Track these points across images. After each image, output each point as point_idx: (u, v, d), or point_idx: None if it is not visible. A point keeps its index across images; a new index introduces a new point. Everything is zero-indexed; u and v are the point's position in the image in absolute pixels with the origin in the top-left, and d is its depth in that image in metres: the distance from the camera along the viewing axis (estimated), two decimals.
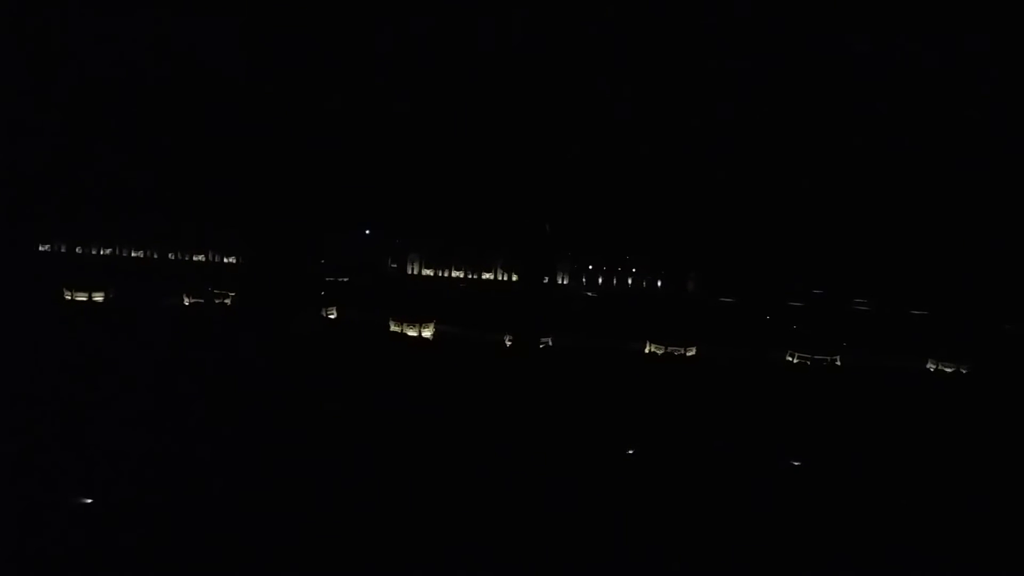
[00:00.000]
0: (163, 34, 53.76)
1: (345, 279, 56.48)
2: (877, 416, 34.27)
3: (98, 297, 48.66)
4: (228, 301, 49.56)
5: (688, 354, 44.26)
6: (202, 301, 49.25)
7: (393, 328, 44.71)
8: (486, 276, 59.34)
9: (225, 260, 61.30)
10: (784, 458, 29.15)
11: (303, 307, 48.30)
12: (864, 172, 57.79)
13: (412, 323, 44.95)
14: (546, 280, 57.73)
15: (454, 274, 59.59)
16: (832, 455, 29.62)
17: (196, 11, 52.72)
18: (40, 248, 61.57)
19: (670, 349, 44.08)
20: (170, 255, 61.33)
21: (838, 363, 43.76)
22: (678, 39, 56.84)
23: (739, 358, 43.37)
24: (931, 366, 43.49)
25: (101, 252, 61.53)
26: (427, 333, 45.02)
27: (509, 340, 44.48)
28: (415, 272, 59.52)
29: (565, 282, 58.82)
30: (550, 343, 44.50)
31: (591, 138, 62.34)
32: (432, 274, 59.85)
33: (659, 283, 59.32)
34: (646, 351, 44.43)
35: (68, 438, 26.33)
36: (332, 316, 47.60)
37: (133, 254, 61.78)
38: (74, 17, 53.85)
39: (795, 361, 43.90)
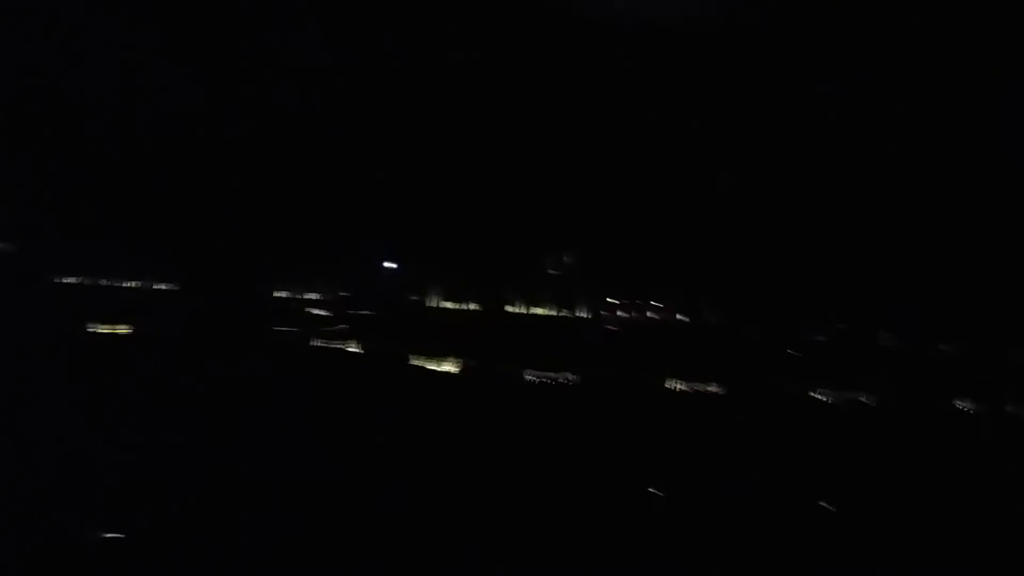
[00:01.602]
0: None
1: (366, 312, 56.62)
2: (907, 458, 33.70)
3: (123, 330, 49.08)
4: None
5: (710, 390, 43.91)
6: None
7: (413, 362, 44.73)
8: (507, 308, 59.27)
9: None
10: (812, 500, 28.68)
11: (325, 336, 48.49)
12: (893, 201, 57.41)
13: (432, 357, 44.98)
14: (566, 313, 57.57)
15: (472, 307, 59.59)
16: (862, 498, 29.09)
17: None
18: (63, 280, 62.20)
19: (692, 385, 43.75)
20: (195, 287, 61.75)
21: (863, 400, 43.20)
22: (712, 77, 57.19)
23: (762, 395, 42.94)
24: (962, 405, 42.82)
25: (127, 285, 62.06)
26: (447, 367, 44.99)
27: (530, 376, 44.39)
28: (436, 305, 59.57)
29: (586, 315, 58.61)
30: (571, 378, 44.34)
31: (610, 166, 62.63)
32: (452, 306, 59.86)
33: (679, 316, 58.97)
34: (667, 386, 44.16)
35: (88, 472, 26.35)
36: (352, 350, 47.72)
37: (156, 286, 62.29)
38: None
39: (819, 399, 43.38)
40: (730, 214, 62.24)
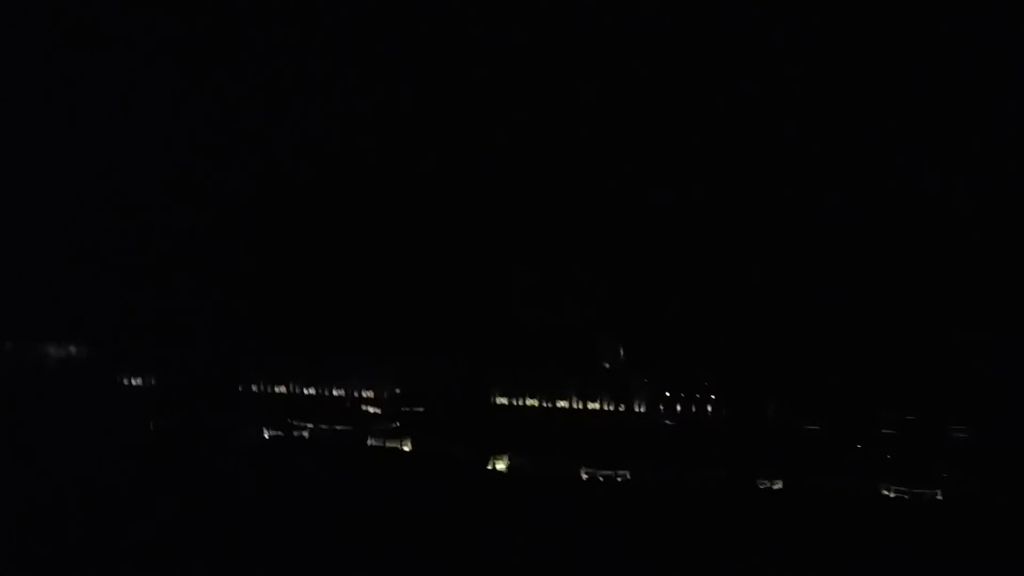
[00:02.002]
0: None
1: (420, 409, 56.62)
2: (986, 557, 31.51)
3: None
4: (307, 434, 50.15)
5: (774, 488, 42.11)
6: (281, 434, 49.98)
7: (466, 460, 44.18)
8: (561, 404, 58.52)
9: (304, 391, 62.39)
10: None
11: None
12: (958, 282, 55.68)
13: (486, 455, 44.38)
14: (622, 408, 56.50)
15: (529, 402, 59.03)
16: None
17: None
18: (130, 381, 64.06)
19: (756, 483, 42.04)
20: (253, 387, 62.81)
21: (939, 497, 40.80)
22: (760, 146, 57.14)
23: (829, 491, 40.94)
24: None
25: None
26: (501, 465, 44.31)
27: (586, 473, 43.35)
28: (490, 401, 59.23)
29: (642, 410, 57.38)
30: (628, 476, 43.10)
31: (666, 260, 62.43)
32: (507, 402, 59.43)
33: (739, 409, 57.23)
34: (730, 483, 42.48)
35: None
36: (406, 449, 47.46)
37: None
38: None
39: (892, 495, 41.16)
40: (792, 306, 61.10)
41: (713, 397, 60.23)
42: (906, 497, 41.01)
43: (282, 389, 63.51)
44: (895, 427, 54.78)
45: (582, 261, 64.93)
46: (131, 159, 62.30)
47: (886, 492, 41.54)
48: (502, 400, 61.17)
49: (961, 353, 56.63)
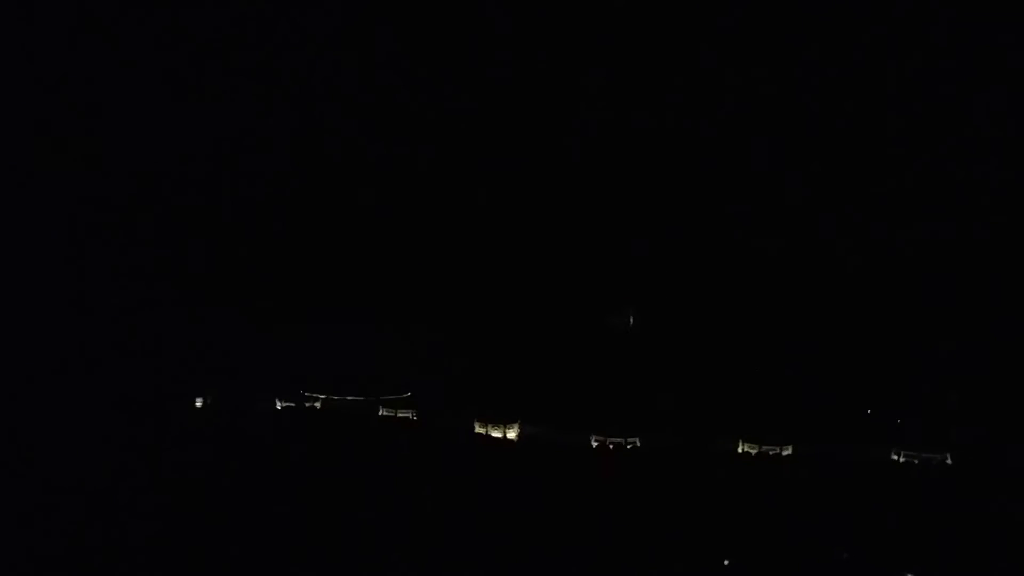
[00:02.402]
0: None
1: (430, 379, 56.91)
2: (998, 524, 31.69)
3: (197, 403, 50.38)
4: (318, 404, 50.54)
5: (784, 454, 42.31)
6: (293, 405, 50.41)
7: (478, 430, 44.49)
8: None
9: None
10: (899, 571, 27.16)
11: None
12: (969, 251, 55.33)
13: (496, 424, 44.67)
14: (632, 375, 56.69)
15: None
16: (951, 569, 27.41)
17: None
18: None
19: (764, 448, 42.26)
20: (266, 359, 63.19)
21: (948, 462, 40.95)
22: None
23: (840, 457, 41.12)
24: None
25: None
26: (512, 434, 44.59)
27: (596, 441, 43.60)
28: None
29: (652, 378, 57.61)
30: (638, 443, 43.37)
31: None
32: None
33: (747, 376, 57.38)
34: (739, 451, 42.75)
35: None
36: (416, 418, 47.82)
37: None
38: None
39: (901, 460, 41.30)
40: (800, 271, 60.92)
41: (725, 362, 60.52)
42: (916, 462, 41.19)
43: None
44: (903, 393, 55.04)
45: (589, 234, 64.82)
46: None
47: (895, 457, 41.72)
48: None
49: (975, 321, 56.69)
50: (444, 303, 60.82)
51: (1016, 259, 52.74)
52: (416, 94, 60.09)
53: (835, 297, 58.38)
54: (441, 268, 61.33)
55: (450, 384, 56.34)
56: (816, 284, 58.97)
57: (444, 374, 57.81)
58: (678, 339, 59.03)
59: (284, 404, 50.80)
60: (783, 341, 57.98)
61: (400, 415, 48.41)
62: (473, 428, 44.62)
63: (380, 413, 48.51)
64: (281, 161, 60.48)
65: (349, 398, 51.04)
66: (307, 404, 51.06)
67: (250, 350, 64.02)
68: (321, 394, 51.63)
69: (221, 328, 64.11)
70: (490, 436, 44.32)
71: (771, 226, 59.60)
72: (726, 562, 29.51)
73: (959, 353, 53.18)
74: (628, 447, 43.14)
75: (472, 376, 58.86)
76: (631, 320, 61.51)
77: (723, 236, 62.05)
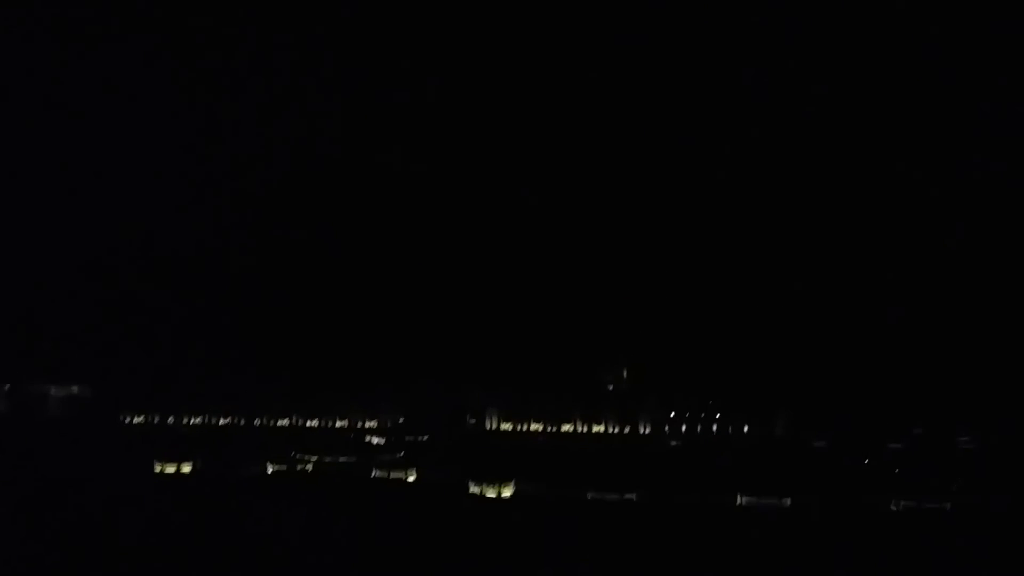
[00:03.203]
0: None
1: (424, 437, 56.30)
2: (999, 569, 31.17)
3: (186, 468, 49.62)
4: (310, 467, 49.88)
5: (784, 505, 41.79)
6: (284, 467, 49.71)
7: (472, 490, 43.84)
8: (565, 428, 58.39)
9: (308, 424, 62.17)
10: None
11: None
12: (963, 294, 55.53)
13: (491, 483, 44.03)
14: (627, 430, 56.32)
15: (533, 427, 58.85)
16: None
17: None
18: (132, 420, 63.85)
19: (763, 501, 41.74)
20: (256, 421, 62.60)
21: (948, 508, 40.51)
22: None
23: (839, 507, 40.63)
24: None
25: (191, 422, 63.37)
26: (507, 493, 43.96)
27: (591, 495, 43.03)
28: (494, 427, 59.02)
29: (647, 431, 57.23)
30: (634, 498, 42.78)
31: (665, 272, 62.22)
32: (511, 428, 59.23)
33: (746, 427, 56.98)
34: (738, 503, 42.20)
35: None
36: (411, 479, 47.16)
37: (221, 421, 63.33)
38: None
39: (900, 509, 40.85)
40: (796, 321, 60.97)
41: (719, 415, 60.04)
42: (916, 510, 40.73)
43: (285, 422, 63.41)
44: (902, 441, 54.69)
45: (584, 284, 64.96)
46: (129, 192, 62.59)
47: (894, 507, 41.26)
48: (506, 426, 61.04)
49: (964, 364, 56.59)
50: (437, 361, 60.65)
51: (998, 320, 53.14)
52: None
53: (825, 350, 58.53)
54: (431, 328, 61.29)
55: (444, 443, 55.88)
56: (807, 338, 59.11)
57: (438, 433, 57.39)
58: (673, 393, 58.82)
59: (275, 467, 50.16)
60: (779, 392, 57.88)
61: (394, 476, 47.84)
62: (468, 488, 43.98)
63: (374, 475, 47.91)
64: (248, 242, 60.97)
65: (342, 459, 50.42)
66: (299, 467, 50.44)
67: (241, 412, 63.55)
68: (313, 455, 51.05)
69: (211, 390, 63.75)
70: (485, 496, 43.66)
71: (755, 284, 60.06)
72: None
73: (958, 403, 53.13)
74: (626, 501, 42.55)
75: (465, 434, 58.39)
76: (624, 375, 61.36)
77: (711, 291, 62.40)
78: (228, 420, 64.24)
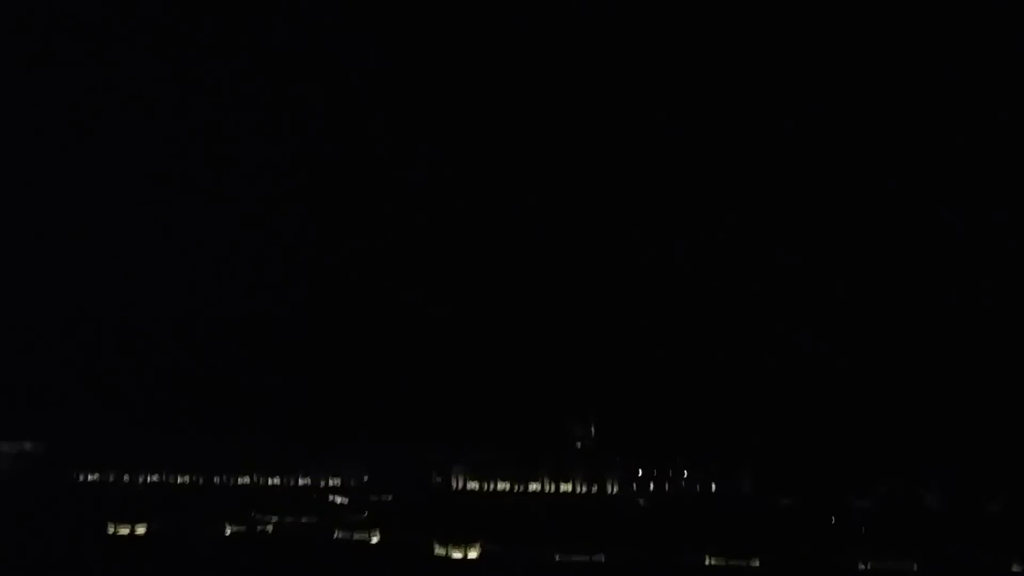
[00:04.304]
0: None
1: (389, 497, 55.14)
2: None
3: (141, 529, 47.97)
4: (271, 528, 48.50)
5: (752, 566, 41.47)
6: (244, 528, 48.28)
7: (438, 551, 42.89)
8: (533, 487, 57.53)
9: (268, 482, 60.55)
10: None
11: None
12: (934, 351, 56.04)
13: (457, 544, 43.15)
14: (595, 489, 55.71)
15: (499, 486, 57.96)
16: None
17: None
18: (86, 477, 61.80)
19: (731, 562, 41.38)
20: (215, 479, 60.82)
21: (915, 569, 40.52)
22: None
23: (807, 569, 40.41)
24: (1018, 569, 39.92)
25: (147, 479, 61.42)
26: (473, 554, 43.06)
27: (558, 556, 42.33)
28: (460, 486, 58.01)
29: (615, 491, 56.60)
30: (602, 560, 42.17)
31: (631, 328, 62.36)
32: (477, 487, 58.23)
33: (713, 485, 56.70)
34: (707, 564, 41.79)
35: None
36: (375, 540, 46.03)
37: (178, 479, 61.45)
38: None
39: (867, 569, 40.74)
40: (759, 377, 61.30)
41: (686, 474, 59.78)
42: (881, 572, 40.66)
43: (245, 480, 61.67)
44: (868, 498, 54.80)
45: (549, 341, 64.86)
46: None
47: (862, 566, 41.11)
48: (472, 485, 59.98)
49: (933, 423, 57.14)
50: (402, 418, 59.87)
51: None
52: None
53: (790, 407, 58.81)
54: (397, 384, 60.53)
55: (408, 502, 54.79)
56: (775, 396, 59.35)
57: (402, 491, 56.30)
58: (641, 451, 58.51)
59: (233, 528, 48.67)
60: (746, 448, 57.87)
61: (357, 537, 46.65)
62: (433, 549, 43.01)
63: (336, 536, 46.68)
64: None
65: (303, 520, 49.13)
66: (258, 528, 49.00)
67: (199, 469, 61.78)
68: (273, 516, 49.67)
69: (168, 446, 62.08)
70: (450, 557, 42.71)
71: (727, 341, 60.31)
72: None
73: (924, 459, 53.44)
74: (593, 562, 41.89)
75: (430, 493, 57.35)
76: (593, 432, 61.00)
77: (681, 347, 62.51)
78: (185, 478, 62.34)
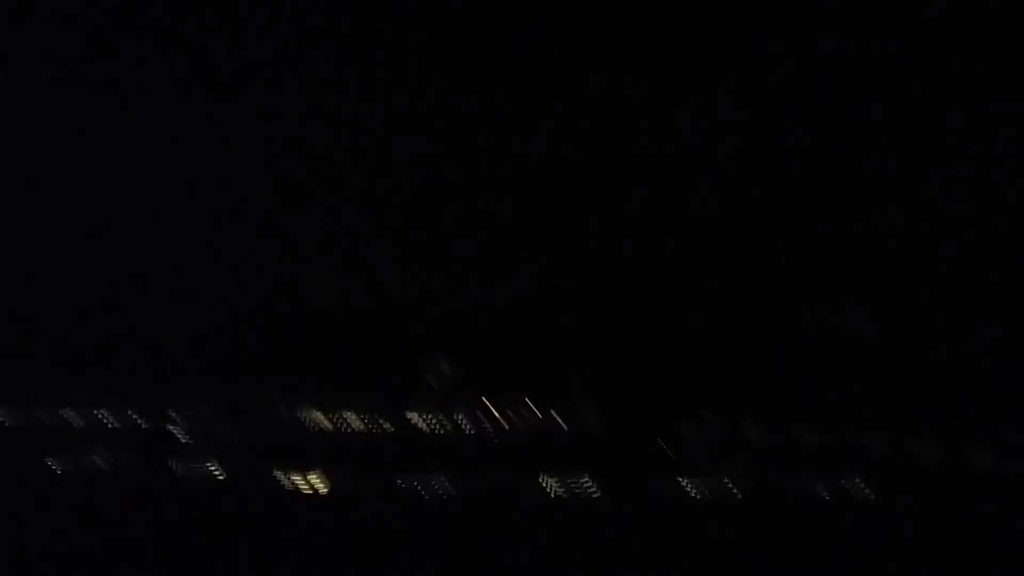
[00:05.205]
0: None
1: (228, 429, 54.15)
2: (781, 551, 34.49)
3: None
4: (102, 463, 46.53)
5: (591, 492, 44.00)
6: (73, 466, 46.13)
7: (282, 483, 42.86)
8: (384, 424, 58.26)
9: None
10: None
11: None
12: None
13: (302, 475, 43.27)
14: (443, 419, 57.00)
15: (345, 417, 58.29)
16: None
17: None
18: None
19: (572, 488, 43.77)
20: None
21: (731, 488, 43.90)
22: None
23: (642, 493, 43.13)
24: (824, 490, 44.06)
25: None
26: (320, 486, 43.38)
27: (404, 485, 43.52)
28: (304, 417, 57.80)
29: (463, 422, 58.31)
30: (447, 484, 43.56)
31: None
32: (322, 418, 58.28)
33: (557, 419, 59.46)
34: (547, 490, 44.02)
35: None
36: (216, 473, 45.28)
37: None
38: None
39: (693, 492, 43.80)
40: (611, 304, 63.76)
41: (532, 407, 62.05)
42: (704, 493, 43.65)
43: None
44: (694, 423, 58.90)
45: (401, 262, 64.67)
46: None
47: (688, 489, 43.73)
48: (318, 416, 59.64)
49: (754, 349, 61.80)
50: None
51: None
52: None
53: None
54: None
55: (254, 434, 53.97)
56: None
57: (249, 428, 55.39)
58: (494, 390, 60.21)
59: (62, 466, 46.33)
60: (587, 379, 60.68)
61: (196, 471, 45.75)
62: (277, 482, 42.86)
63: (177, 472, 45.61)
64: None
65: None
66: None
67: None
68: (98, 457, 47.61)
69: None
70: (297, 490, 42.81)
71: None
72: None
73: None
74: (437, 489, 43.13)
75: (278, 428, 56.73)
76: (447, 369, 62.01)
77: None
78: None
